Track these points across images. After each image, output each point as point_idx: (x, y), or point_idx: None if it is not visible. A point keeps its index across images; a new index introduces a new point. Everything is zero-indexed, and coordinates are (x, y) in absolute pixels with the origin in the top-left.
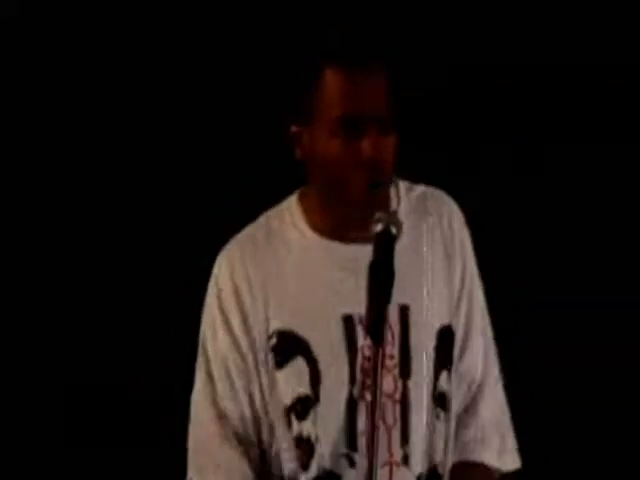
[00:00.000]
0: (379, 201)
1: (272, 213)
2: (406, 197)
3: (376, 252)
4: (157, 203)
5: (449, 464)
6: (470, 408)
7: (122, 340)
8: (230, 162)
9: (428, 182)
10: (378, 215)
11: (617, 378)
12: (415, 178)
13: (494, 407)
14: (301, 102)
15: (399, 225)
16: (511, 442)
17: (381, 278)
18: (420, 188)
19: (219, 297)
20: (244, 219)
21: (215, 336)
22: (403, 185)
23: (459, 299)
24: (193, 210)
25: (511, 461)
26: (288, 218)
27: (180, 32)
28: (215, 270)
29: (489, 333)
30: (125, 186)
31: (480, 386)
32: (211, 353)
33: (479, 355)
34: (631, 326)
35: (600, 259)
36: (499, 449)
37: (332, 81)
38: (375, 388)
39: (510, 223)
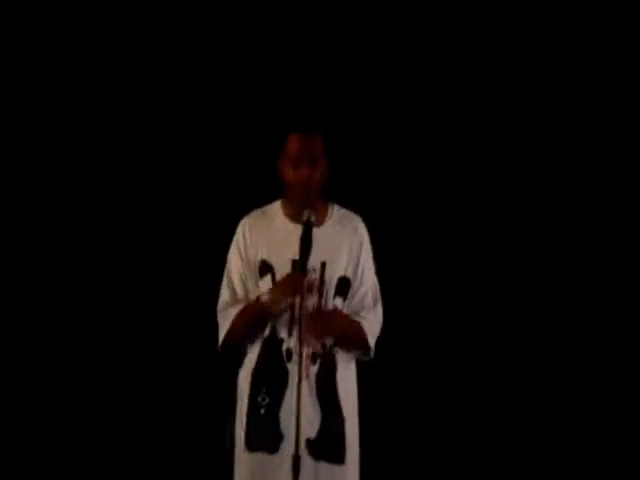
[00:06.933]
0: (312, 201)
1: (268, 206)
2: (337, 212)
3: (303, 230)
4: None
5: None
6: (365, 313)
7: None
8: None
9: None
10: (305, 211)
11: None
12: None
13: (375, 322)
14: (280, 150)
15: (316, 216)
16: (374, 338)
17: (305, 243)
18: (345, 210)
19: (237, 241)
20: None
21: (234, 258)
22: (336, 205)
23: (356, 265)
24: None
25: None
26: (275, 209)
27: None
28: (237, 229)
29: (376, 286)
30: (125, 185)
31: (371, 308)
32: (231, 268)
33: (368, 295)
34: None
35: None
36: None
37: (291, 141)
38: (301, 297)
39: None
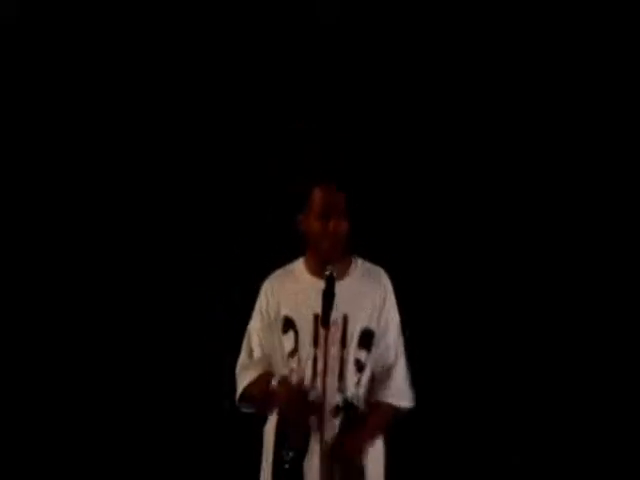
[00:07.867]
0: (338, 254)
1: (290, 264)
2: (361, 265)
3: (326, 285)
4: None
5: (362, 400)
6: (386, 376)
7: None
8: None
9: None
10: (328, 267)
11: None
12: None
13: (401, 377)
14: (303, 203)
15: (337, 272)
16: (409, 395)
17: (327, 297)
18: (370, 264)
19: (260, 302)
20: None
21: (255, 320)
22: (360, 259)
23: (379, 317)
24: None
25: (407, 402)
26: (298, 267)
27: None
28: (260, 290)
29: (400, 338)
30: (126, 187)
31: (393, 365)
32: (251, 330)
33: (391, 348)
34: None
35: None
36: (403, 397)
37: (317, 195)
38: (325, 350)
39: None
